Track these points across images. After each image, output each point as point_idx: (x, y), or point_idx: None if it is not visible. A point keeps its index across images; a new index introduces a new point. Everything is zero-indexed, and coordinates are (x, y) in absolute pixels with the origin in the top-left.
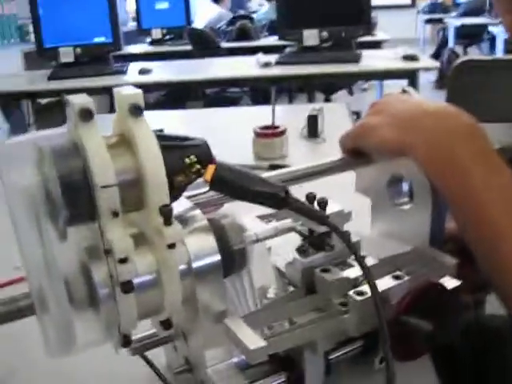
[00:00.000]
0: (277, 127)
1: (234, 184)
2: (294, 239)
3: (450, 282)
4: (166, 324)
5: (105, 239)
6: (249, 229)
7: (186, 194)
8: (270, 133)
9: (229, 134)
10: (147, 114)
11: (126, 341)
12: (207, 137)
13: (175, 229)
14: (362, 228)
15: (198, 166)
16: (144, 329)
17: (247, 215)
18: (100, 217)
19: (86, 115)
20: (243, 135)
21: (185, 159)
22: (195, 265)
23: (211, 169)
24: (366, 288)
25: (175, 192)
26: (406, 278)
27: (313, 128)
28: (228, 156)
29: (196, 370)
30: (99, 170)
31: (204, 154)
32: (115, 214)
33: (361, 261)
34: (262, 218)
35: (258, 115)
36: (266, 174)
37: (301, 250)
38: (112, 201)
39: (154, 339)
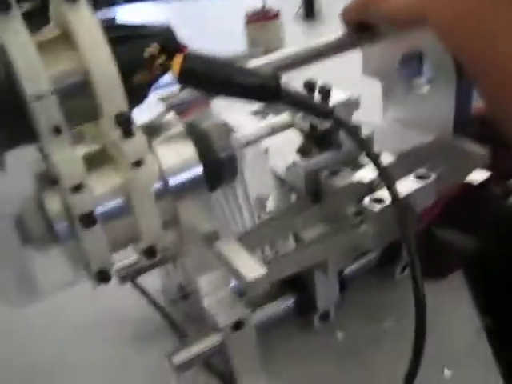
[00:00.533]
0: (269, 10)
1: (209, 76)
2: (295, 138)
3: (479, 175)
4: (149, 252)
5: (49, 163)
6: (238, 129)
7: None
8: (262, 16)
9: (219, 24)
10: (120, 8)
11: (102, 277)
12: (195, 30)
13: (137, 142)
14: (372, 118)
15: (163, 58)
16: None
17: (237, 112)
18: (40, 135)
19: (2, 5)
20: (235, 25)
21: (144, 51)
22: (172, 181)
23: (179, 59)
24: (383, 193)
25: (136, 95)
26: (432, 176)
27: (309, 7)
28: (220, 48)
29: (191, 298)
30: (27, 75)
31: (168, 41)
32: (57, 131)
33: (375, 159)
34: (256, 114)
35: (249, 1)
36: (253, 62)
37: (303, 151)
38: (50, 114)
39: (144, 264)
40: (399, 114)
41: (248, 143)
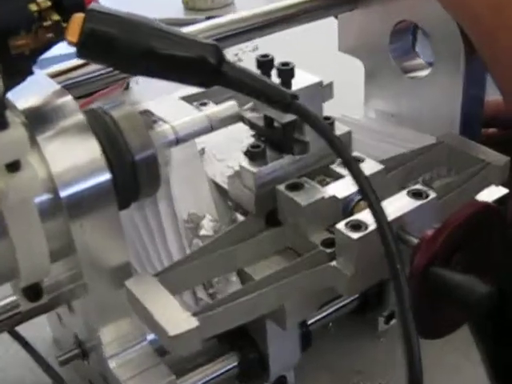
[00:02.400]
0: None
1: (123, 44)
2: (242, 136)
3: (495, 193)
4: (31, 293)
5: None
6: (164, 121)
7: None
8: None
9: None
10: None
11: None
12: None
13: (12, 136)
14: (350, 111)
15: (55, 17)
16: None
17: (164, 99)
18: None
19: None
20: None
21: (28, 7)
22: (65, 193)
23: (78, 20)
24: (365, 215)
25: (13, 67)
26: (432, 194)
27: None
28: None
29: (92, 356)
30: None
31: None
32: None
33: (353, 166)
34: (189, 100)
35: None
36: (188, 29)
37: (253, 154)
38: None
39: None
40: (387, 106)
41: (177, 141)
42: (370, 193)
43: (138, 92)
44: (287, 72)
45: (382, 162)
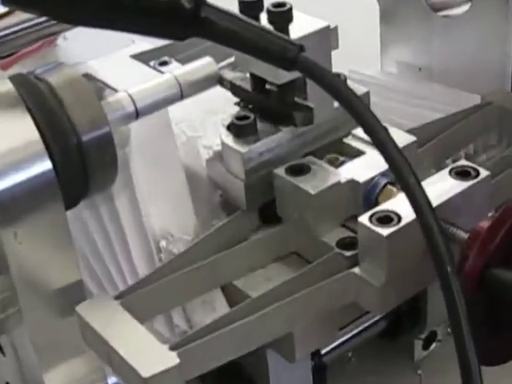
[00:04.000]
0: None
1: None
2: (223, 104)
3: None
4: None
5: None
6: (113, 88)
7: None
8: None
9: None
10: None
11: None
12: None
13: None
14: (359, 64)
15: None
16: None
17: (115, 56)
18: None
19: None
20: None
21: None
22: None
23: None
24: (396, 204)
25: None
26: (483, 173)
27: None
28: None
29: None
30: None
31: None
32: None
33: (384, 136)
34: (143, 57)
35: None
36: None
37: (239, 128)
38: None
39: None
40: (412, 56)
41: (137, 114)
42: (408, 173)
43: (67, 50)
44: (283, 15)
45: (410, 132)
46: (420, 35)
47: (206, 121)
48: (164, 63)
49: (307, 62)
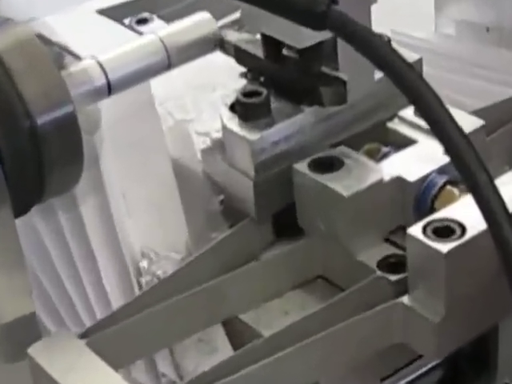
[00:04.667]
0: None
1: None
2: (214, 77)
3: None
4: None
5: None
6: (76, 55)
7: None
8: None
9: None
10: None
11: None
12: None
13: None
14: (408, 22)
15: None
16: None
17: (67, 10)
18: None
19: None
20: None
21: None
22: None
23: None
24: (459, 211)
25: None
26: None
27: None
28: None
29: None
30: None
31: None
32: None
33: (446, 117)
34: (114, 13)
35: None
36: None
37: (247, 107)
38: None
39: None
40: (476, 12)
41: (110, 90)
42: (478, 169)
43: (13, 2)
44: None
45: (475, 113)
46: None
47: (200, 99)
48: (143, 21)
49: (340, 18)
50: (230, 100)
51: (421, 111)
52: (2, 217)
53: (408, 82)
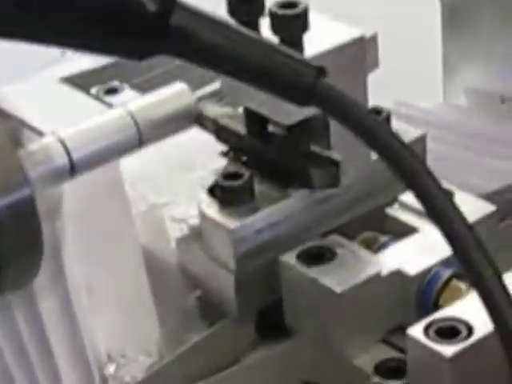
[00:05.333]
0: None
1: None
2: (192, 154)
3: None
4: None
5: None
6: (38, 131)
7: None
8: None
9: None
10: None
11: None
12: None
13: None
14: (413, 91)
15: None
16: None
17: (27, 79)
18: None
19: None
20: None
21: None
22: None
23: None
24: (465, 308)
25: None
26: None
27: None
28: None
29: None
30: None
31: None
32: None
33: (446, 205)
34: (80, 82)
35: None
36: None
37: (228, 191)
38: None
39: None
40: (490, 80)
41: (73, 170)
42: (483, 262)
43: None
44: (294, 21)
45: (487, 197)
46: (502, 49)
47: (176, 180)
48: (113, 90)
49: (329, 93)
50: (209, 182)
51: (419, 197)
52: None
53: (405, 165)
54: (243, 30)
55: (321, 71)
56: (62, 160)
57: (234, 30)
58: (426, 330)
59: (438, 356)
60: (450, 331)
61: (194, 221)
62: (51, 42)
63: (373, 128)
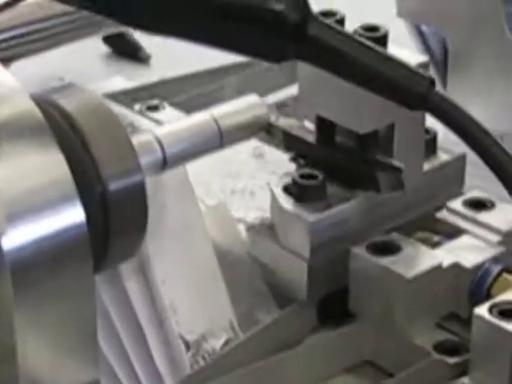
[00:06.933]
0: None
1: None
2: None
3: None
4: None
5: None
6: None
7: None
8: None
9: None
10: None
11: None
12: None
13: None
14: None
15: None
16: None
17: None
18: None
19: None
20: None
21: None
22: (8, 245)
23: None
24: None
25: None
26: None
27: None
28: None
29: None
30: None
31: None
32: None
33: None
34: (121, 98)
35: None
36: None
37: (304, 189)
38: None
39: None
40: (492, 118)
41: (165, 163)
42: None
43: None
44: (377, 43)
45: None
46: (507, 90)
47: (227, 187)
48: (153, 108)
49: (442, 102)
50: (282, 181)
51: None
52: (84, 281)
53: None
54: (366, 42)
55: (432, 82)
56: (158, 154)
57: (358, 42)
58: (491, 309)
59: (502, 332)
60: (510, 312)
61: (252, 219)
62: (209, 43)
63: (482, 139)
